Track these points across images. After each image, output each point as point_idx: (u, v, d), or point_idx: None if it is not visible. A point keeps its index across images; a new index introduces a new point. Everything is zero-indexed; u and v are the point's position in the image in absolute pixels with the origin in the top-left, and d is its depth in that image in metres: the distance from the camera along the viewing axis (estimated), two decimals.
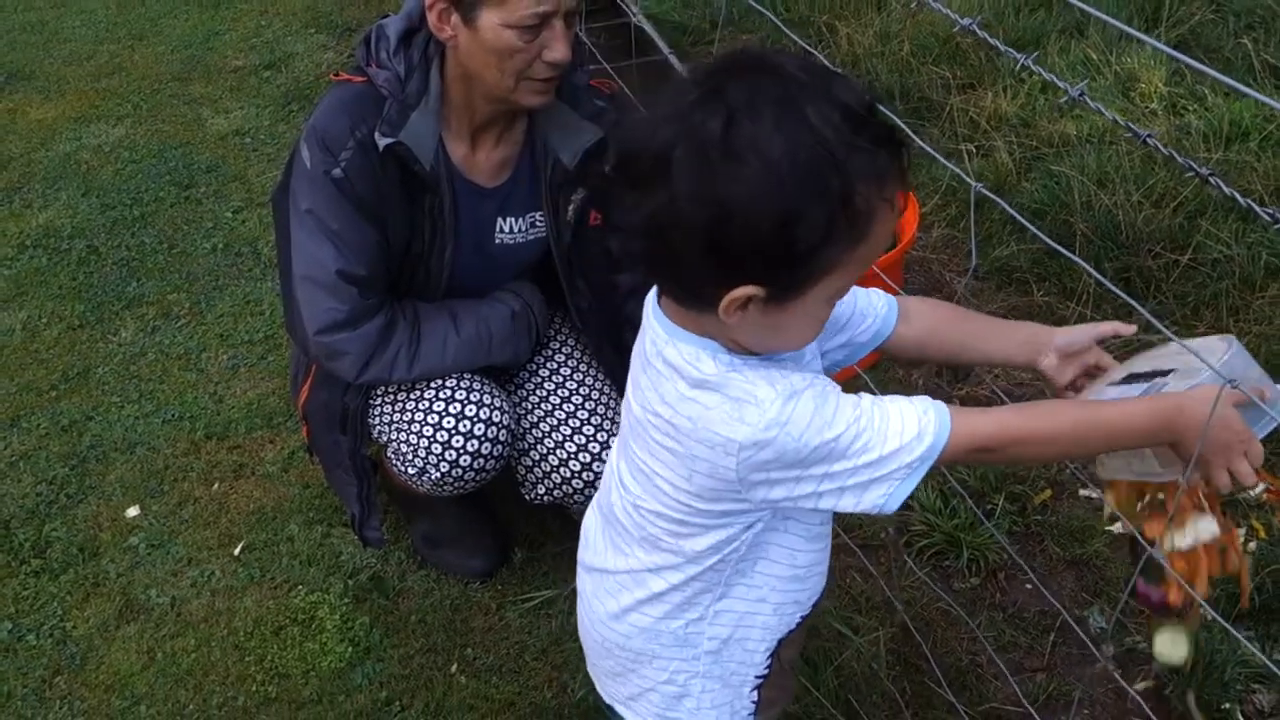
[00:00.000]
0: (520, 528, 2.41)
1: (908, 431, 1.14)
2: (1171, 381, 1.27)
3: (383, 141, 1.88)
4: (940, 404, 1.16)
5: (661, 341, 1.18)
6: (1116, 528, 2.34)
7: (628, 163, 1.08)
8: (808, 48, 3.48)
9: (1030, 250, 2.99)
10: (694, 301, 1.12)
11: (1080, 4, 1.59)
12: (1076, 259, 1.35)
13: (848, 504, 1.17)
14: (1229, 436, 1.18)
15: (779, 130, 1.01)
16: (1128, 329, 1.43)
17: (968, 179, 1.50)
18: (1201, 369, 1.21)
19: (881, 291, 1.42)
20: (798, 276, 1.06)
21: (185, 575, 2.41)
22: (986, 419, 1.18)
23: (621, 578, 1.35)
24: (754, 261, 1.04)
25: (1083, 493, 2.41)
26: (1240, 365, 1.23)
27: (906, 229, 2.69)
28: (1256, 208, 1.17)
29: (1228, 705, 1.95)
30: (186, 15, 5.08)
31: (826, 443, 1.13)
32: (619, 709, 1.49)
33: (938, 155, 1.58)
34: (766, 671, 1.40)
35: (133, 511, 2.57)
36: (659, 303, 1.20)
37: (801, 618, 1.40)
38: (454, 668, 2.17)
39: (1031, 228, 1.42)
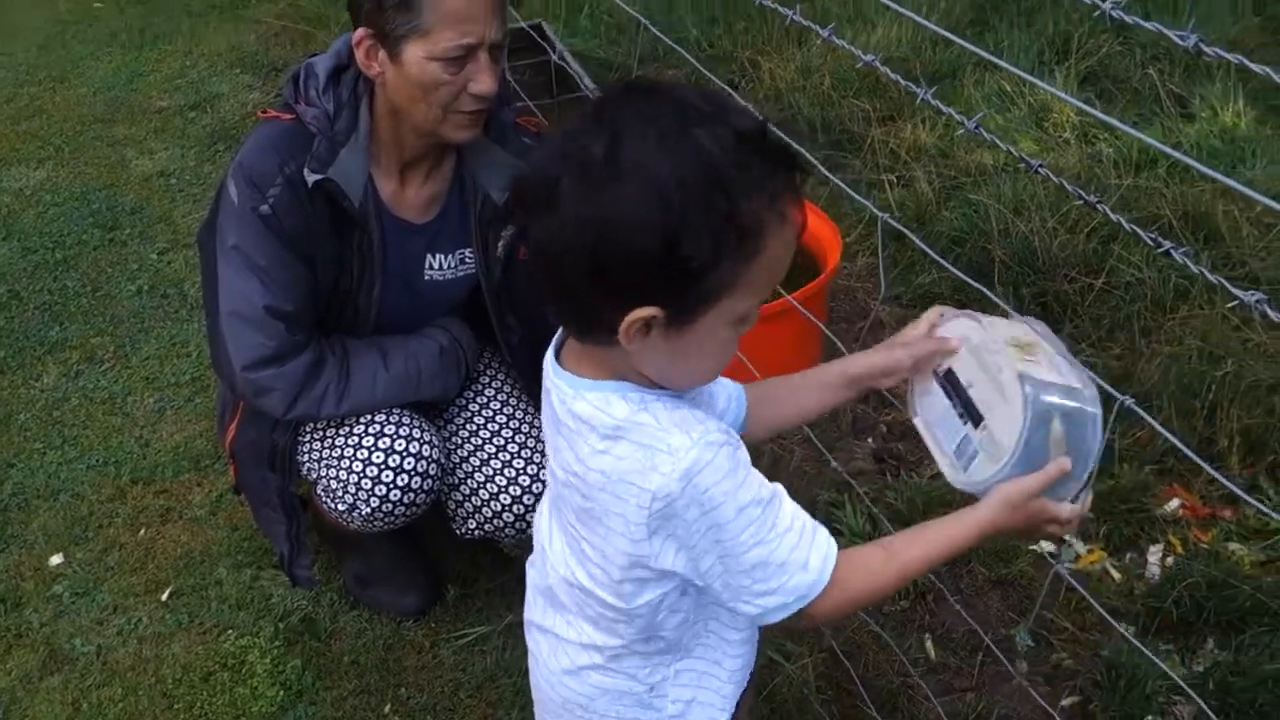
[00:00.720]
0: (452, 564, 2.41)
1: (802, 559, 1.14)
2: (977, 438, 1.29)
3: (311, 178, 1.89)
4: (832, 553, 1.16)
5: (569, 397, 1.17)
6: (1043, 545, 2.39)
7: (520, 193, 1.09)
8: (723, 84, 3.55)
9: (950, 277, 3.06)
10: (596, 333, 1.10)
11: (984, 51, 1.65)
12: (979, 285, 1.39)
13: (727, 598, 1.17)
14: (1033, 524, 1.24)
15: (662, 149, 1.01)
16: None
17: (877, 211, 1.54)
18: (1014, 416, 1.24)
19: (727, 381, 1.39)
20: (693, 295, 1.05)
21: (111, 623, 2.37)
22: (863, 581, 1.18)
23: (572, 646, 1.32)
24: (646, 281, 1.03)
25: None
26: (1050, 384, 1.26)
27: (830, 258, 2.74)
28: (1140, 231, 1.22)
29: (1150, 718, 2.00)
30: (110, 57, 5.03)
31: (730, 516, 1.11)
32: None
33: (846, 187, 1.62)
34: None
35: (56, 560, 2.52)
36: (559, 359, 1.20)
37: (750, 674, 1.40)
38: (387, 708, 2.15)
39: (939, 258, 1.46)
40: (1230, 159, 3.37)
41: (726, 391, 1.37)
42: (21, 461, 2.79)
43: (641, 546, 1.15)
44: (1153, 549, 2.35)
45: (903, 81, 1.46)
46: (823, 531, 1.17)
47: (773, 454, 2.62)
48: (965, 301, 3.01)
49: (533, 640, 1.42)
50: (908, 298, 3.09)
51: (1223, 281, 1.16)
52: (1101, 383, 1.33)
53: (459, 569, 2.40)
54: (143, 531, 2.58)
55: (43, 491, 2.71)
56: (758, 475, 1.15)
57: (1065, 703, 2.08)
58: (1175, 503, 2.43)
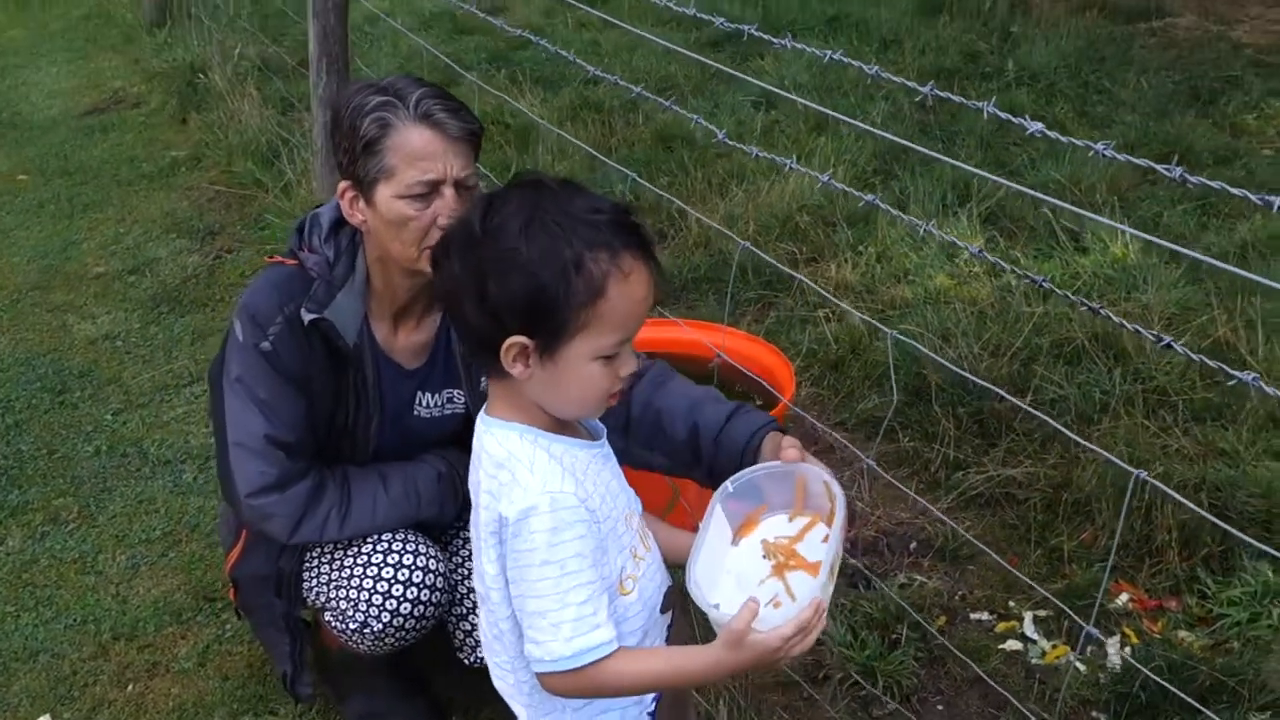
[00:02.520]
0: (456, 698, 2.46)
1: (567, 635, 1.38)
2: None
3: (307, 317, 2.02)
4: (597, 646, 1.39)
5: (482, 432, 1.46)
6: (1009, 644, 2.56)
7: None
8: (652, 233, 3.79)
9: (889, 402, 3.29)
10: (487, 357, 1.38)
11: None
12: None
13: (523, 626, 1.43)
14: (761, 657, 1.40)
15: (521, 214, 1.33)
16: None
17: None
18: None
19: None
20: (553, 328, 1.34)
21: None
22: (603, 676, 1.41)
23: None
24: (514, 315, 1.33)
25: (973, 616, 2.63)
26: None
27: (785, 390, 2.94)
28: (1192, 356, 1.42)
29: None
30: (39, 226, 5.08)
31: (535, 562, 1.37)
32: None
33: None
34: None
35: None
36: (486, 410, 1.47)
37: (655, 700, 1.57)
38: None
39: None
40: (1125, 286, 3.72)
41: None
42: None
43: (488, 554, 1.43)
44: (1110, 640, 2.54)
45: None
46: (601, 632, 1.40)
47: None
48: (907, 422, 3.24)
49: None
50: (851, 423, 3.30)
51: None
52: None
53: (463, 702, 2.45)
54: (130, 687, 2.57)
55: (20, 654, 2.69)
56: (581, 553, 1.37)
57: None
58: (1125, 597, 2.64)
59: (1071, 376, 3.29)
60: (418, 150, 1.92)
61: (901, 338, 2.43)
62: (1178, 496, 1.54)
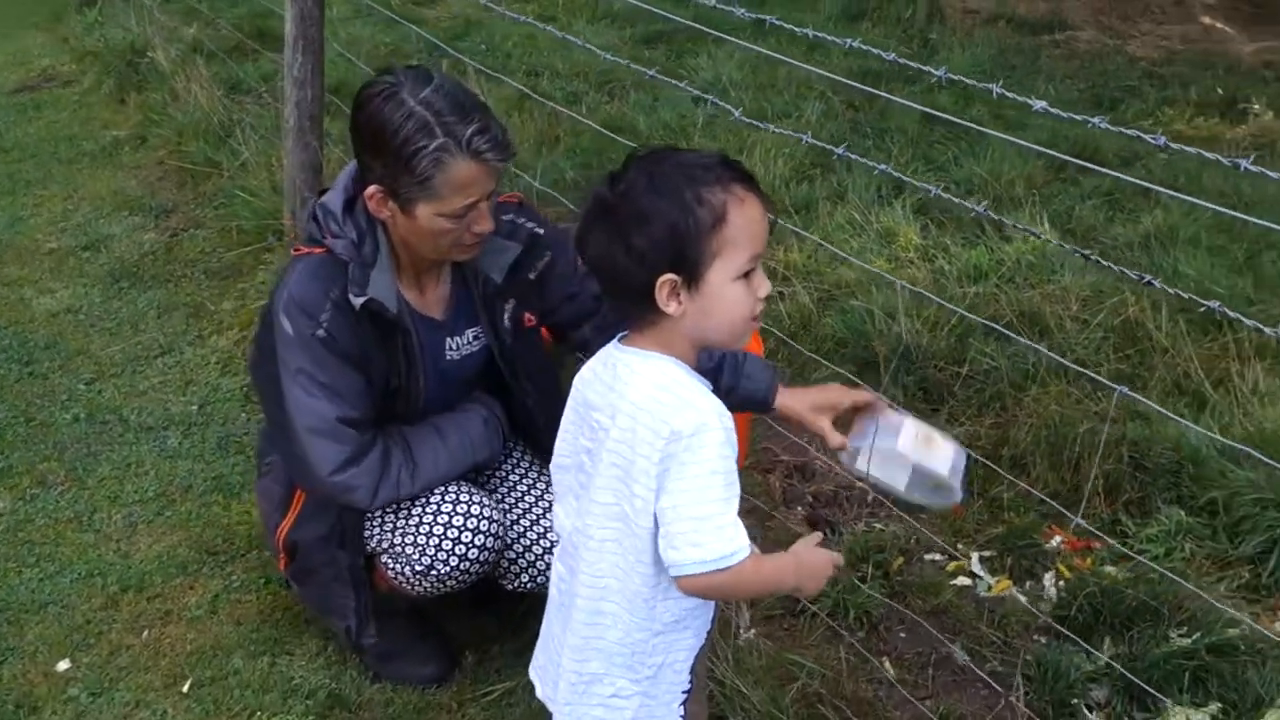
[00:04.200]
0: (464, 636, 2.65)
1: (730, 535, 1.58)
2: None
3: (357, 301, 2.19)
4: (742, 549, 1.61)
5: (632, 359, 1.63)
6: (959, 580, 2.86)
7: (578, 241, 1.63)
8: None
9: (838, 375, 3.57)
10: (644, 309, 1.58)
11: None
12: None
13: (663, 544, 1.60)
14: (819, 560, 1.76)
15: (643, 176, 1.58)
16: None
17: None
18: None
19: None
20: (693, 259, 1.54)
21: (136, 718, 2.48)
22: (744, 574, 1.63)
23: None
24: (659, 256, 1.54)
25: (927, 557, 2.92)
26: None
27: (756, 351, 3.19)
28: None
29: (1075, 700, 2.46)
30: None
31: (705, 472, 1.56)
32: None
33: None
34: (689, 687, 1.77)
35: (64, 665, 2.61)
36: (626, 344, 1.66)
37: (707, 634, 1.78)
38: None
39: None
40: (1045, 270, 4.07)
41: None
42: None
43: (647, 473, 1.57)
44: (1047, 576, 2.85)
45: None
46: (745, 536, 1.60)
47: None
48: None
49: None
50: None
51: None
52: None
53: (472, 640, 2.65)
54: (145, 633, 2.71)
55: (28, 606, 2.79)
56: (735, 468, 1.59)
57: (1008, 697, 2.51)
58: (1057, 539, 2.96)
59: (1002, 350, 3.62)
60: (465, 181, 2.11)
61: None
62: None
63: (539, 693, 1.93)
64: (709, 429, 1.56)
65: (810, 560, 1.74)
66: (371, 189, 2.17)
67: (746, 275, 1.58)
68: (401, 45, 6.64)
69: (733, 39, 4.80)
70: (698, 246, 1.55)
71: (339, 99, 4.67)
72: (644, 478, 1.59)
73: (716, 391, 2.05)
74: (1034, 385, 3.45)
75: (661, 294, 1.56)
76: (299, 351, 2.21)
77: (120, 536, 3.02)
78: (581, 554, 1.72)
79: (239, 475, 3.27)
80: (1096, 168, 3.17)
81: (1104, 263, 2.27)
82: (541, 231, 2.41)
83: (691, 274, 1.56)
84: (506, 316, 2.41)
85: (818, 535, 1.78)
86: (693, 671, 1.78)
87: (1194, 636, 2.51)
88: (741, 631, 2.52)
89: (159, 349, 3.93)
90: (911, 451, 2.03)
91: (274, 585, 2.83)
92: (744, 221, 1.57)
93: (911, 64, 2.63)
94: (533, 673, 1.94)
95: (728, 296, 1.58)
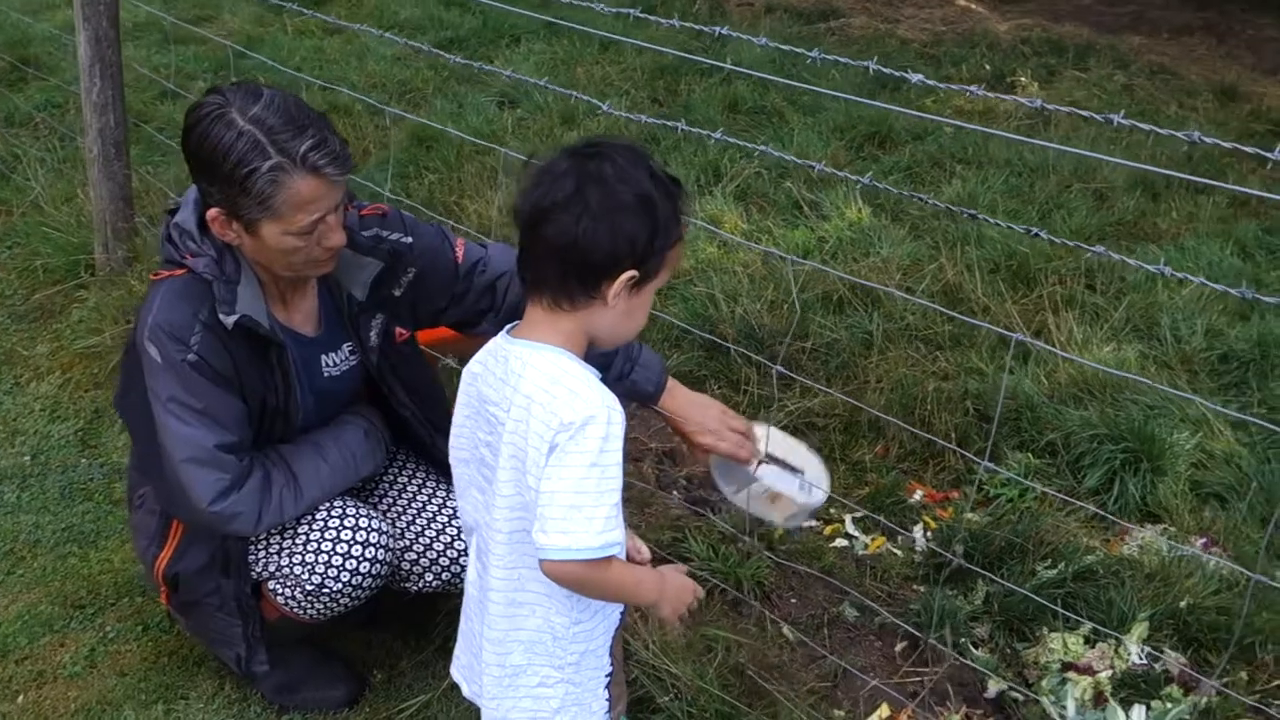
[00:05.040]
0: (371, 655, 2.61)
1: (598, 529, 1.62)
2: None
3: (229, 320, 2.11)
4: (611, 545, 1.66)
5: (522, 352, 1.66)
6: (838, 543, 3.01)
7: (536, 209, 1.61)
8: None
9: (693, 355, 3.69)
10: (580, 297, 1.62)
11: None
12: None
13: (535, 527, 1.64)
14: (684, 597, 1.86)
15: (646, 170, 1.63)
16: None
17: None
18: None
19: None
20: (652, 267, 1.63)
21: None
22: (606, 572, 1.69)
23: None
24: (639, 249, 1.60)
25: (804, 524, 3.06)
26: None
27: None
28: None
29: (962, 639, 2.64)
30: None
31: (583, 463, 1.59)
32: None
33: None
34: (610, 669, 1.84)
35: None
36: (515, 334, 1.70)
37: (621, 614, 1.86)
38: None
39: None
40: (864, 245, 4.31)
41: None
42: None
43: (538, 464, 1.61)
44: (916, 529, 3.04)
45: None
46: (619, 534, 1.66)
47: None
48: (710, 375, 3.65)
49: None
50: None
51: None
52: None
53: (377, 657, 2.61)
54: (21, 698, 2.54)
55: None
56: (619, 463, 1.64)
57: (898, 647, 2.67)
58: (919, 494, 3.16)
59: (839, 322, 3.81)
60: (306, 198, 2.02)
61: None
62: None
63: (465, 691, 1.95)
64: (594, 421, 1.59)
65: (675, 583, 1.83)
66: (213, 212, 2.09)
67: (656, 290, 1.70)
68: (183, 66, 6.36)
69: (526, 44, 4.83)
70: (661, 256, 1.64)
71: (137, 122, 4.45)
72: (535, 469, 1.63)
73: (608, 378, 2.12)
74: (875, 353, 3.66)
75: (616, 284, 1.60)
76: (170, 379, 2.12)
77: None
78: (492, 547, 1.76)
79: (91, 523, 3.11)
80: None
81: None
82: (410, 241, 2.36)
83: (645, 277, 1.64)
84: (374, 333, 2.36)
85: (684, 566, 1.91)
86: (610, 654, 1.83)
87: (1058, 567, 2.73)
88: None
89: None
90: (748, 504, 2.37)
91: (154, 630, 2.72)
92: (679, 250, 1.70)
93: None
94: (455, 673, 1.96)
95: (647, 305, 1.70)
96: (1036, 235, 1.90)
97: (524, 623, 1.73)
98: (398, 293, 2.36)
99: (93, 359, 3.78)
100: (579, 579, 1.68)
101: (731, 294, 3.89)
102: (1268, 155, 1.56)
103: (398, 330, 2.40)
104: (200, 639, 2.50)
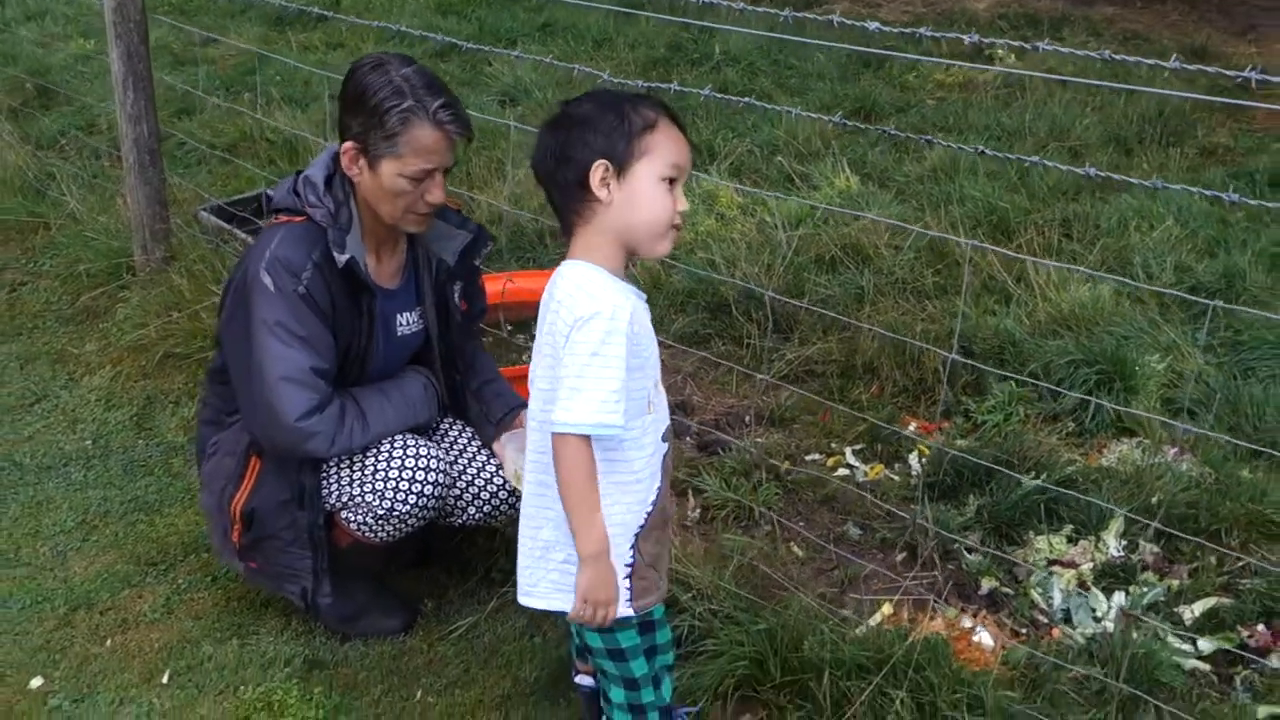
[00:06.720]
0: (421, 588, 2.88)
1: (601, 409, 1.86)
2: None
3: (341, 258, 2.44)
4: (607, 425, 1.88)
5: (561, 270, 1.93)
6: (840, 472, 3.27)
7: (534, 155, 1.97)
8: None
9: (699, 318, 3.96)
10: (580, 196, 1.88)
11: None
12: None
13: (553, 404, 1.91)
14: (602, 592, 1.97)
15: (591, 96, 1.95)
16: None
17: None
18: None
19: None
20: (624, 153, 1.87)
21: (124, 713, 2.60)
22: (575, 469, 1.92)
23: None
24: (598, 146, 1.87)
25: (808, 458, 3.33)
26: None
27: None
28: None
29: (955, 545, 2.90)
30: None
31: (584, 351, 1.85)
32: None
33: None
34: (632, 561, 2.03)
35: (37, 682, 2.69)
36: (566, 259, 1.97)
37: (647, 515, 2.04)
38: (419, 694, 2.60)
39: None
40: (857, 209, 4.58)
41: None
42: None
43: (559, 358, 1.88)
44: (911, 456, 3.30)
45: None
46: (616, 417, 1.87)
47: None
48: (714, 334, 3.91)
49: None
50: (673, 337, 3.94)
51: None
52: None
53: (426, 591, 2.88)
54: (109, 642, 2.81)
55: None
56: (621, 356, 1.87)
57: (899, 557, 2.93)
58: (913, 425, 3.42)
59: (832, 280, 4.08)
60: (428, 146, 2.38)
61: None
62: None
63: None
64: (599, 316, 1.84)
65: (607, 576, 1.96)
66: (347, 145, 2.43)
67: (670, 184, 1.91)
68: (195, 84, 6.65)
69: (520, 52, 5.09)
70: (629, 142, 1.88)
71: None
72: (558, 358, 1.90)
73: (467, 385, 2.61)
74: (866, 305, 3.92)
75: (595, 178, 1.87)
76: (280, 306, 2.42)
77: (53, 565, 3.09)
78: (530, 435, 2.04)
79: (154, 494, 3.38)
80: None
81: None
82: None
83: (621, 164, 1.88)
84: (457, 295, 2.70)
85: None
86: (636, 548, 2.03)
87: (1041, 478, 2.99)
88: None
89: (32, 397, 3.94)
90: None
91: (222, 581, 2.98)
92: (668, 136, 1.92)
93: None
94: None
95: (650, 193, 1.89)
96: (1037, 164, 2.15)
97: (551, 503, 1.99)
98: (478, 263, 2.71)
99: (140, 351, 4.05)
100: (571, 459, 1.90)
101: (730, 260, 4.16)
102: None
103: (462, 302, 2.71)
104: (265, 581, 2.76)
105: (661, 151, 1.90)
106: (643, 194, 1.89)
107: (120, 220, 4.53)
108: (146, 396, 3.87)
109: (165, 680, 2.68)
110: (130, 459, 3.56)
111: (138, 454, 3.58)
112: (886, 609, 2.73)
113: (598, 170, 1.87)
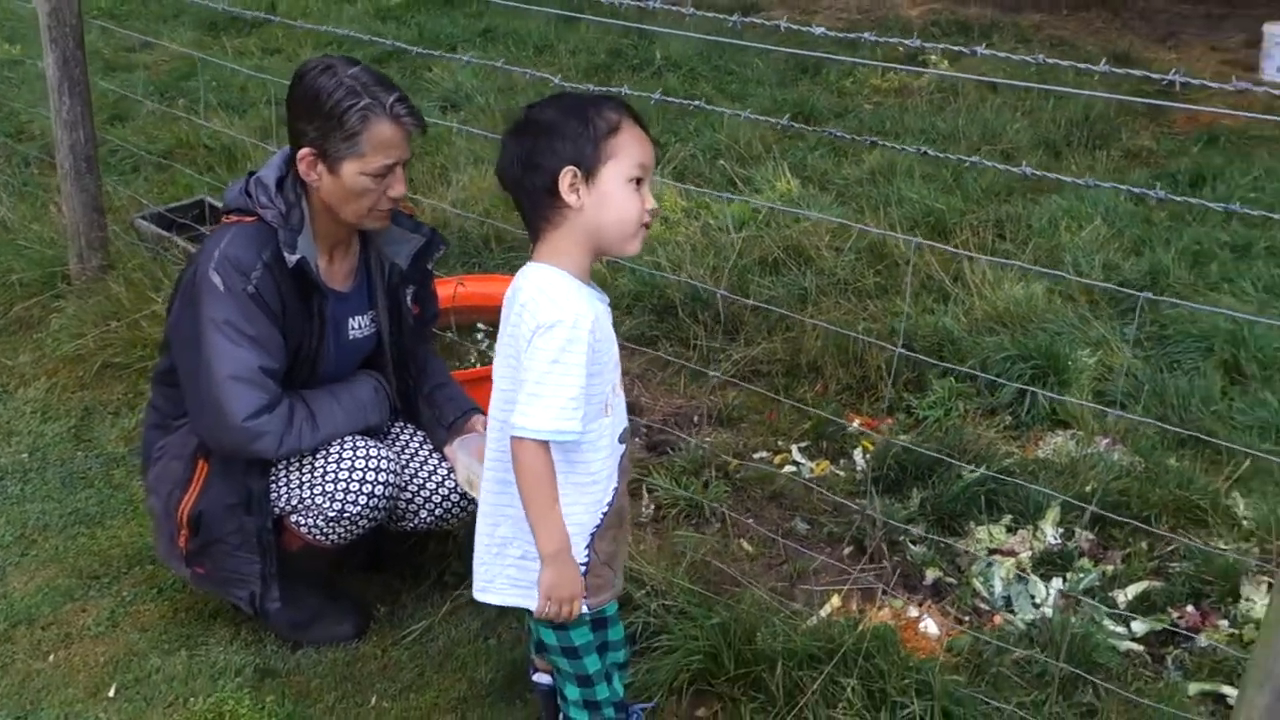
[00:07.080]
0: (373, 592, 2.87)
1: (552, 414, 1.89)
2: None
3: (292, 258, 2.44)
4: (564, 432, 1.91)
5: (524, 273, 1.95)
6: (787, 469, 3.32)
7: (498, 162, 1.98)
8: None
9: (646, 320, 3.99)
10: (550, 203, 1.90)
11: None
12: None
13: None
14: (567, 589, 1.99)
15: (553, 101, 1.97)
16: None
17: None
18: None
19: None
20: (591, 158, 1.88)
21: None
22: (535, 472, 1.94)
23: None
24: (565, 153, 1.88)
25: (755, 456, 3.37)
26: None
27: None
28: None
29: (900, 537, 2.96)
30: None
31: (544, 359, 1.86)
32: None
33: None
34: (587, 559, 2.05)
35: None
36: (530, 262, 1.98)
37: (603, 515, 2.06)
38: (373, 700, 2.59)
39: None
40: (797, 210, 4.64)
41: None
42: None
43: (521, 355, 1.90)
44: (855, 452, 3.36)
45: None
46: (574, 424, 1.89)
47: None
48: (660, 336, 3.95)
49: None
50: (621, 338, 3.96)
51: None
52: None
53: (379, 594, 2.87)
54: (51, 656, 2.76)
55: None
56: (581, 364, 1.89)
57: (846, 550, 2.98)
58: (857, 422, 3.48)
59: (776, 282, 4.14)
60: (387, 140, 2.39)
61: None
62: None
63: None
64: (561, 324, 1.86)
65: (570, 574, 1.97)
66: (304, 152, 2.43)
67: (637, 184, 1.93)
68: (130, 90, 6.56)
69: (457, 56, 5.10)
70: (595, 146, 1.90)
71: None
72: (520, 362, 1.92)
73: (419, 389, 2.63)
74: (809, 305, 3.98)
75: (564, 184, 1.89)
76: (228, 305, 2.42)
77: None
78: (490, 433, 2.06)
79: (95, 506, 3.33)
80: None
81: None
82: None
83: (590, 169, 1.89)
84: (409, 299, 2.71)
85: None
86: (593, 548, 2.05)
87: (981, 470, 3.06)
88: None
89: None
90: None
91: (169, 592, 2.95)
92: (632, 136, 1.93)
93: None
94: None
95: (619, 195, 1.91)
96: (975, 164, 2.22)
97: (511, 500, 2.01)
98: (430, 266, 2.73)
99: (77, 362, 3.99)
100: (529, 463, 1.93)
101: (676, 263, 4.19)
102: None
103: (415, 307, 2.71)
104: (212, 586, 2.73)
105: (627, 153, 1.92)
106: (612, 196, 1.91)
107: (54, 228, 4.46)
108: (85, 408, 3.81)
109: (112, 694, 2.64)
110: (69, 471, 3.50)
111: (77, 466, 3.52)
112: (836, 600, 2.77)
113: (566, 177, 1.89)
